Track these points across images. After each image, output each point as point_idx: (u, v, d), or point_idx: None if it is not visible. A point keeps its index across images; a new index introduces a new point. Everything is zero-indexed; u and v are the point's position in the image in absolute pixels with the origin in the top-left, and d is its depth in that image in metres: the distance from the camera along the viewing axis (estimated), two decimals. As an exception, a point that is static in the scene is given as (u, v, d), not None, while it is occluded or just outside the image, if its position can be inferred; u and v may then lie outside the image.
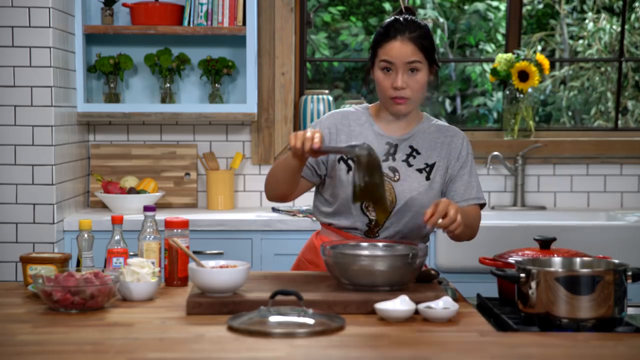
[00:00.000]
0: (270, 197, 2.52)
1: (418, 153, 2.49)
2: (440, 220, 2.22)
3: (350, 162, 2.46)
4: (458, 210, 2.24)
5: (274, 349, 1.77)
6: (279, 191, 2.47)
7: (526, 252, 2.25)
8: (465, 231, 2.37)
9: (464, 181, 2.49)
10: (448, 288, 2.23)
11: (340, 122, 2.52)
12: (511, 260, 2.20)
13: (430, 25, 2.50)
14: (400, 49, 2.40)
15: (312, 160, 2.47)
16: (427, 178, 2.47)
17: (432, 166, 2.48)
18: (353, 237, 2.48)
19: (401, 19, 2.44)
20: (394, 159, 2.48)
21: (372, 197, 2.24)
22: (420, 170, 2.48)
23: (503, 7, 7.16)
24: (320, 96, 4.10)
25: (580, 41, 7.15)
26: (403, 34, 2.40)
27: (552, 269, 2.02)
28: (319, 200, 2.57)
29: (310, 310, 1.95)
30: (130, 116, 3.89)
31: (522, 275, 1.97)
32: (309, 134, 2.22)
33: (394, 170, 2.47)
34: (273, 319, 1.91)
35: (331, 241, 2.36)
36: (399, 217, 2.46)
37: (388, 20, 2.46)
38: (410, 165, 2.48)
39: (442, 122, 2.59)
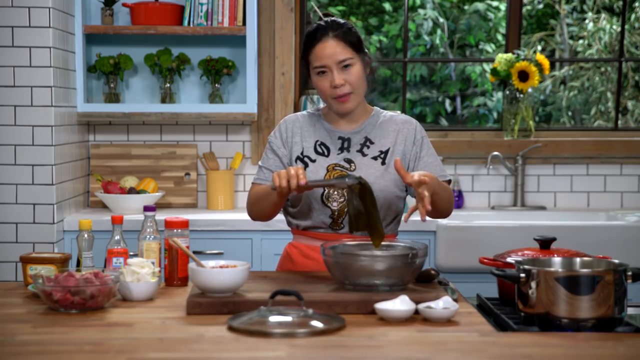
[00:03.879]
0: (256, 220, 2.60)
1: (372, 142, 2.56)
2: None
3: (306, 159, 2.54)
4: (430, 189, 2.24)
5: (274, 349, 1.77)
6: (265, 215, 2.54)
7: (526, 252, 2.25)
8: (445, 205, 2.44)
9: (424, 162, 2.55)
10: (448, 288, 2.23)
11: (293, 124, 2.61)
12: (511, 260, 2.20)
13: (351, 24, 2.57)
14: (328, 50, 2.48)
15: (266, 170, 2.58)
16: (383, 163, 2.53)
17: (386, 152, 2.55)
18: (320, 236, 2.52)
19: (322, 22, 2.53)
20: (348, 151, 2.55)
21: (367, 224, 2.28)
22: (375, 158, 2.54)
23: (503, 7, 7.17)
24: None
25: (580, 41, 7.15)
26: (327, 35, 2.49)
27: (552, 269, 2.02)
28: (286, 204, 2.62)
29: (310, 310, 1.95)
30: (130, 116, 3.89)
31: (522, 275, 1.97)
32: (292, 171, 2.26)
33: (349, 161, 2.53)
34: (273, 319, 1.91)
35: (332, 241, 2.37)
36: None
37: (310, 27, 2.55)
38: (364, 155, 2.54)
39: (393, 112, 2.66)
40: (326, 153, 2.55)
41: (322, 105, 2.67)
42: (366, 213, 2.27)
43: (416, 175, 2.24)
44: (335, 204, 2.50)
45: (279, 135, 2.61)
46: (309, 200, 2.51)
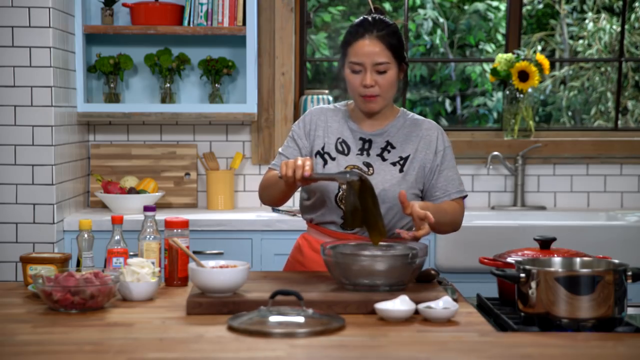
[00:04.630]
0: (266, 204, 2.62)
1: (393, 147, 2.54)
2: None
3: (326, 156, 2.53)
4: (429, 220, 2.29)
5: (274, 349, 1.77)
6: (273, 201, 2.56)
7: (526, 252, 2.25)
8: (447, 228, 2.54)
9: (444, 176, 2.54)
10: (448, 288, 2.23)
11: (318, 117, 2.60)
12: (511, 260, 2.20)
13: (399, 25, 2.55)
14: (368, 48, 2.45)
15: (291, 157, 2.56)
16: (401, 170, 2.52)
17: (405, 159, 2.53)
18: (331, 233, 2.53)
19: (369, 18, 2.50)
20: (368, 154, 2.54)
21: (364, 221, 2.30)
22: (394, 164, 2.52)
23: (503, 7, 7.17)
24: (320, 96, 4.10)
25: (580, 41, 7.15)
26: (371, 33, 2.46)
27: (552, 269, 2.02)
28: (301, 195, 2.65)
29: (310, 310, 1.95)
30: (130, 116, 3.89)
31: (522, 275, 1.97)
32: (299, 162, 2.27)
33: (367, 165, 2.52)
34: (273, 319, 1.92)
35: (331, 241, 2.37)
36: None
37: (357, 20, 2.52)
38: (384, 160, 2.53)
39: (418, 117, 2.63)
40: (346, 152, 2.54)
41: (350, 100, 2.65)
42: (363, 210, 2.27)
43: (421, 211, 2.27)
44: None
45: (302, 126, 2.60)
46: (323, 197, 2.51)
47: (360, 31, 2.47)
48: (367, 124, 2.57)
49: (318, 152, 2.55)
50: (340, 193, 2.49)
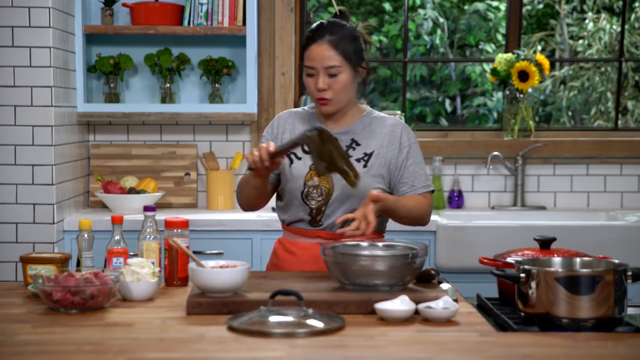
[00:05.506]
0: (245, 210, 2.68)
1: (358, 144, 2.59)
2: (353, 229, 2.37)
3: (292, 156, 2.59)
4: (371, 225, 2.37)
5: (274, 349, 1.77)
6: (250, 202, 2.62)
7: (526, 252, 2.25)
8: (411, 221, 2.59)
9: (410, 171, 2.58)
10: (448, 288, 2.23)
11: (285, 121, 2.66)
12: (511, 260, 2.20)
13: (370, 28, 2.61)
14: (319, 52, 2.50)
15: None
16: (365, 165, 2.56)
17: (370, 155, 2.57)
18: (300, 231, 2.59)
19: (325, 22, 2.55)
20: None
21: (333, 169, 2.32)
22: (358, 160, 2.57)
23: (503, 7, 7.17)
24: (320, 96, 4.10)
25: (580, 41, 7.15)
26: (323, 38, 2.51)
27: (552, 269, 2.02)
28: (276, 199, 2.70)
29: (310, 310, 1.95)
30: (130, 116, 3.89)
31: (522, 275, 1.97)
32: (263, 146, 2.35)
33: None
34: (273, 319, 1.92)
35: (332, 241, 2.37)
36: (338, 204, 2.55)
37: (314, 24, 2.57)
38: (349, 157, 2.55)
39: (384, 114, 2.67)
40: None
41: None
42: (329, 158, 2.30)
43: (373, 192, 2.38)
44: (313, 202, 2.55)
45: (270, 131, 2.67)
46: (291, 197, 2.57)
47: (315, 36, 2.52)
48: (332, 123, 2.61)
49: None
50: (305, 190, 2.54)
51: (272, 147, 2.34)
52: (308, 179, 2.55)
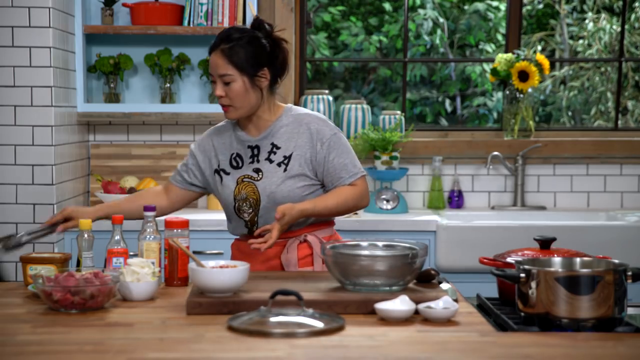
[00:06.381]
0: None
1: (278, 148, 2.61)
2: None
3: (222, 173, 2.63)
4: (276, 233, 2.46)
5: (274, 349, 1.77)
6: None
7: (526, 252, 2.25)
8: (343, 211, 2.59)
9: (334, 164, 2.59)
10: (448, 288, 2.23)
11: (206, 143, 2.68)
12: (511, 260, 2.20)
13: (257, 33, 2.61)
14: (213, 61, 2.58)
15: (181, 168, 2.71)
16: (285, 170, 2.58)
17: (289, 157, 2.59)
18: (242, 241, 2.64)
19: (225, 30, 2.60)
20: (257, 161, 2.61)
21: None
22: (279, 164, 2.59)
23: (503, 7, 7.16)
24: (320, 96, 4.10)
25: (580, 41, 7.15)
26: (217, 47, 2.58)
27: (552, 269, 2.02)
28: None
29: (310, 310, 1.95)
30: (130, 116, 3.89)
31: (522, 275, 1.97)
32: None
33: (257, 170, 2.60)
34: (273, 319, 1.91)
35: (332, 241, 2.37)
36: (267, 211, 2.57)
37: (219, 33, 2.62)
38: (271, 162, 2.60)
39: (302, 111, 2.67)
40: (240, 165, 2.62)
41: None
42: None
43: (279, 213, 2.45)
44: (245, 214, 2.61)
45: (202, 144, 2.70)
46: (227, 211, 2.65)
47: (213, 45, 2.59)
48: (251, 128, 2.63)
49: (215, 170, 2.65)
50: (236, 204, 2.60)
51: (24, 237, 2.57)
52: (237, 193, 2.59)
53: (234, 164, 2.62)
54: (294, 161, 2.57)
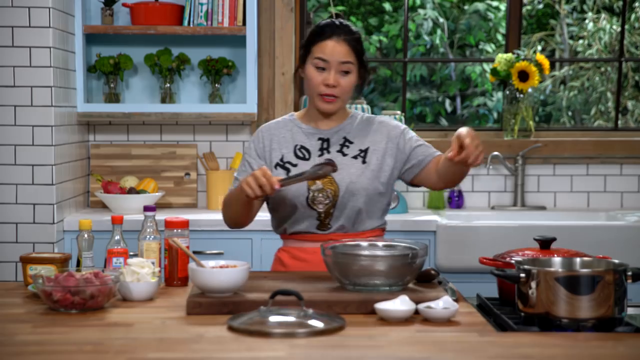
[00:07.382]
0: (232, 227, 2.63)
1: (351, 142, 2.60)
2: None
3: (287, 165, 2.57)
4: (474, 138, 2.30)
5: (274, 349, 1.77)
6: (240, 223, 2.59)
7: (526, 252, 2.25)
8: (457, 178, 2.54)
9: (422, 150, 2.59)
10: (448, 288, 2.23)
11: (268, 132, 2.63)
12: (511, 260, 2.20)
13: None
14: (335, 48, 2.51)
15: (241, 176, 2.60)
16: (363, 162, 2.57)
17: (365, 151, 2.59)
18: (309, 237, 2.57)
19: (337, 22, 2.56)
20: (328, 152, 2.59)
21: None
22: (355, 157, 2.58)
23: (503, 7, 7.17)
24: (320, 96, 4.10)
25: (580, 41, 7.15)
26: (338, 35, 2.52)
27: (552, 269, 2.02)
28: (269, 211, 2.66)
29: (310, 310, 1.95)
30: (130, 116, 3.89)
31: (522, 275, 1.97)
32: (262, 179, 2.30)
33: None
34: (273, 319, 1.91)
35: (332, 241, 2.37)
36: (345, 203, 2.54)
37: (323, 21, 2.58)
38: (345, 155, 2.58)
39: (370, 114, 2.71)
40: (307, 156, 2.58)
41: (294, 112, 2.71)
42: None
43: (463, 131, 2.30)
44: (321, 206, 2.54)
45: (253, 147, 2.63)
46: (294, 203, 2.54)
47: (328, 32, 2.53)
48: (321, 124, 2.62)
49: (277, 164, 2.59)
50: (310, 195, 2.53)
51: (277, 184, 2.31)
52: (311, 184, 2.53)
53: (300, 155, 2.59)
54: (371, 154, 2.57)
